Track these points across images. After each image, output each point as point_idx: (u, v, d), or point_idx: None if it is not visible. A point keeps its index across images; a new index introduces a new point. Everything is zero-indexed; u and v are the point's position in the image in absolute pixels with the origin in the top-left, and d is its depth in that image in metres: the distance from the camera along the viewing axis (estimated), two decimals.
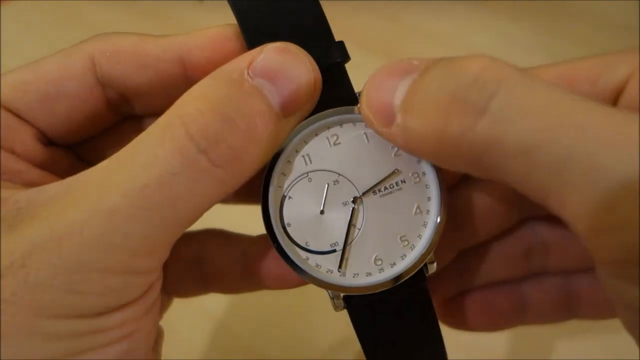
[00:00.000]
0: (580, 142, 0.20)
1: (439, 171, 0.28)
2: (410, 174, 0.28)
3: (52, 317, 0.24)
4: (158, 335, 0.34)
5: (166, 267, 0.33)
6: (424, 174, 0.28)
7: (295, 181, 0.28)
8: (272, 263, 0.31)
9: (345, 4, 0.71)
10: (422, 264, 0.28)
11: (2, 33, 0.66)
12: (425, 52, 0.66)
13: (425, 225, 0.28)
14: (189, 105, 0.25)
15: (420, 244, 0.28)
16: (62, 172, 0.30)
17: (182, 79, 0.29)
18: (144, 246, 0.24)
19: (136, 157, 0.24)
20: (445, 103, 0.22)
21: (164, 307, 0.36)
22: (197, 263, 0.34)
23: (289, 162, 0.28)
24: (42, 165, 0.30)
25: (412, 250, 0.28)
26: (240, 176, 0.25)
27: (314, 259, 0.28)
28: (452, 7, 0.72)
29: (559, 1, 0.72)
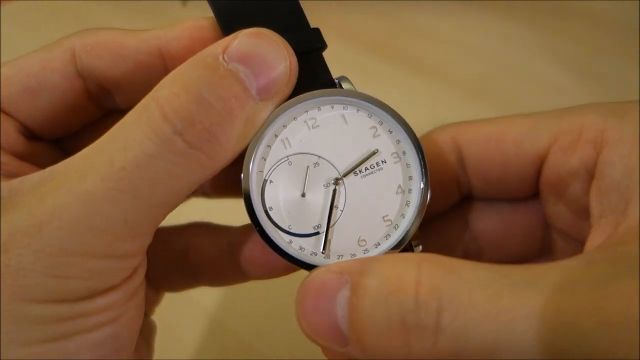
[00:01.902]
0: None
1: (420, 150, 0.28)
2: (390, 154, 0.28)
3: (35, 302, 0.24)
4: (151, 330, 0.35)
5: (153, 260, 0.33)
6: (404, 153, 0.28)
7: (275, 165, 0.28)
8: (257, 252, 0.32)
9: (345, 4, 0.71)
10: (407, 243, 0.28)
11: (2, 33, 0.67)
12: (425, 52, 0.67)
13: (408, 204, 0.28)
14: (164, 89, 0.25)
15: (404, 223, 0.28)
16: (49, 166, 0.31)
17: (162, 71, 0.30)
18: (124, 229, 0.25)
19: (114, 141, 0.25)
20: (399, 329, 0.23)
21: (154, 301, 0.36)
22: (184, 255, 0.34)
23: (269, 147, 0.28)
24: (26, 159, 0.30)
25: (395, 230, 0.28)
26: (218, 158, 0.25)
27: (297, 242, 0.28)
28: (452, 7, 0.73)
29: (559, 1, 0.72)
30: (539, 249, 0.33)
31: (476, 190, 0.32)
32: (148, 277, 0.33)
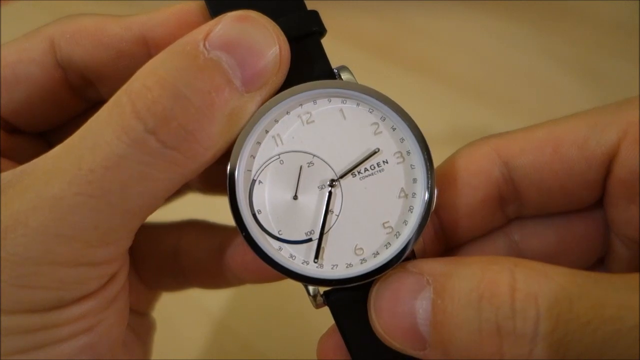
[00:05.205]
0: None
1: (426, 149, 0.24)
2: (392, 154, 0.24)
3: (2, 313, 0.21)
4: (147, 329, 0.33)
5: (143, 258, 0.31)
6: (408, 153, 0.24)
7: (265, 164, 0.24)
8: (250, 255, 0.28)
9: (345, 4, 0.68)
10: (409, 253, 0.23)
11: (2, 33, 0.64)
12: (425, 53, 0.65)
13: (411, 209, 0.24)
14: (138, 81, 0.21)
15: (406, 231, 0.23)
16: None
17: (146, 60, 0.26)
18: (95, 236, 0.22)
19: (84, 140, 0.21)
20: (493, 335, 0.20)
21: (150, 299, 0.34)
22: (175, 255, 0.31)
23: (258, 144, 0.24)
24: (8, 154, 0.27)
25: (397, 238, 0.23)
26: (198, 157, 0.22)
27: (287, 249, 0.24)
28: (452, 7, 0.69)
29: (559, 1, 0.68)
30: (596, 261, 0.29)
31: (529, 206, 0.28)
32: (140, 275, 0.32)
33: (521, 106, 0.58)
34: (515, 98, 0.59)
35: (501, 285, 0.20)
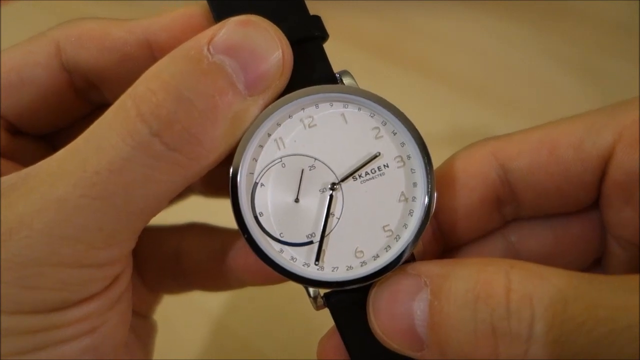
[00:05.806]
0: None
1: (426, 154, 0.24)
2: (393, 158, 0.24)
3: (5, 313, 0.22)
4: (149, 331, 0.33)
5: (145, 261, 0.31)
6: (408, 157, 0.24)
7: (267, 167, 0.24)
8: (251, 257, 0.28)
9: (345, 4, 0.68)
10: (409, 256, 0.24)
11: (2, 33, 0.63)
12: (425, 53, 0.65)
13: (411, 213, 0.24)
14: (142, 85, 0.22)
15: (406, 234, 0.24)
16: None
17: (150, 63, 0.26)
18: (100, 237, 0.22)
19: (89, 142, 0.22)
20: (488, 336, 0.21)
21: (151, 302, 0.34)
22: (176, 258, 0.31)
23: (261, 147, 0.24)
24: (12, 155, 0.28)
25: (397, 241, 0.24)
26: (201, 160, 0.22)
27: (288, 252, 0.24)
28: (452, 7, 0.69)
29: (559, 1, 0.68)
30: (593, 261, 0.29)
31: (526, 207, 0.28)
32: (142, 278, 0.32)
33: (521, 106, 0.58)
34: (515, 98, 0.59)
35: (496, 286, 0.21)
